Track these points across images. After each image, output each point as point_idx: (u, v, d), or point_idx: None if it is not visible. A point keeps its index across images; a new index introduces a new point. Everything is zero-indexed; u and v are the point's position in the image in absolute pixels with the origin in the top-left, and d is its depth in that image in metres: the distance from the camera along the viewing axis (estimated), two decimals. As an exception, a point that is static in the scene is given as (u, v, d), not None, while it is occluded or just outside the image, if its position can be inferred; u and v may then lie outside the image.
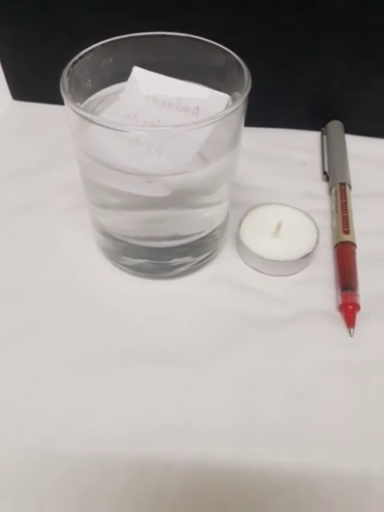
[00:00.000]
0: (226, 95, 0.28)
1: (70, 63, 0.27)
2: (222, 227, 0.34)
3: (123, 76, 0.30)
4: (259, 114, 0.41)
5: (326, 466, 0.26)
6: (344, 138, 0.44)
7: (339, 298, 0.32)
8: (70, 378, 0.29)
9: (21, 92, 0.48)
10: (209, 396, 0.28)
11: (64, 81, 0.26)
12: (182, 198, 0.29)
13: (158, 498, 0.25)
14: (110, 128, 0.24)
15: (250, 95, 0.27)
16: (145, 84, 0.30)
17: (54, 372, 0.29)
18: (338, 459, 0.26)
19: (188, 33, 0.29)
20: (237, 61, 0.28)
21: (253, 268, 0.34)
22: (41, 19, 0.42)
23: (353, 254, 0.34)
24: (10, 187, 0.40)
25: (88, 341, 0.30)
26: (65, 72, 0.27)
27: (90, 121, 0.25)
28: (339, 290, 0.32)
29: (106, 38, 0.29)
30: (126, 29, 0.29)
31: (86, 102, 0.30)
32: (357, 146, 0.44)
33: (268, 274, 0.34)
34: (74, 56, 0.28)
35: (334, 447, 0.26)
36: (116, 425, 0.27)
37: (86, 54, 0.28)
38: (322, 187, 0.41)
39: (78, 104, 0.29)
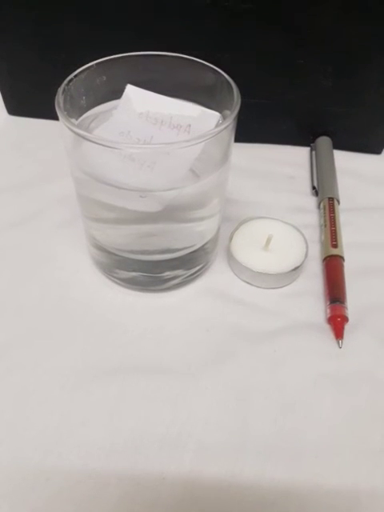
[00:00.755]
0: (217, 113, 0.29)
1: (66, 81, 0.28)
2: (214, 241, 0.34)
3: (117, 94, 0.30)
4: (249, 130, 0.42)
5: (316, 478, 0.26)
6: (332, 153, 0.45)
7: (328, 311, 0.32)
8: (62, 391, 0.29)
9: (16, 107, 0.48)
10: (200, 408, 0.28)
11: (59, 98, 0.27)
12: (174, 212, 0.29)
13: (150, 509, 0.25)
14: (104, 145, 0.25)
15: (240, 112, 0.27)
16: (138, 101, 0.30)
17: (46, 385, 0.29)
18: (328, 472, 0.26)
19: (179, 52, 0.30)
20: (226, 80, 0.29)
21: (243, 281, 0.35)
22: (37, 35, 0.42)
23: (341, 267, 0.35)
24: (5, 201, 0.40)
25: (81, 353, 0.30)
26: (60, 90, 0.28)
27: (85, 138, 0.25)
28: (328, 303, 0.33)
29: (101, 55, 0.30)
30: (121, 48, 0.30)
31: (81, 118, 0.30)
32: (345, 161, 0.45)
33: (258, 287, 0.34)
34: (69, 72, 0.29)
35: (323, 460, 0.27)
36: (108, 438, 0.27)
37: (80, 72, 0.29)
38: (311, 202, 0.41)
39: (74, 119, 0.29)
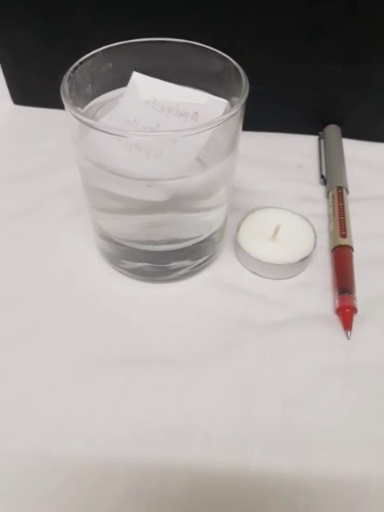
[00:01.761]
0: (225, 100, 0.29)
1: (71, 69, 0.28)
2: (221, 231, 0.34)
3: (123, 81, 0.30)
4: (257, 119, 0.41)
5: (323, 469, 0.26)
6: (341, 142, 0.44)
7: (336, 301, 0.32)
8: (69, 382, 0.29)
9: (21, 96, 0.48)
10: (207, 399, 0.28)
11: (64, 86, 0.27)
12: (180, 202, 0.29)
13: (157, 501, 0.25)
14: (110, 133, 0.24)
15: (247, 100, 0.27)
16: (144, 89, 0.30)
17: (53, 375, 0.29)
18: (336, 463, 0.26)
19: (186, 39, 0.30)
20: (235, 66, 0.28)
21: (251, 271, 0.34)
22: (42, 24, 0.42)
23: (350, 257, 0.34)
24: (11, 191, 0.40)
25: (88, 344, 0.30)
26: (65, 78, 0.27)
27: (91, 126, 0.25)
28: (336, 294, 0.32)
29: (106, 43, 0.29)
30: (127, 35, 0.29)
31: (87, 107, 0.30)
32: (354, 149, 0.44)
33: (266, 278, 0.34)
34: (74, 61, 0.28)
35: (331, 451, 0.27)
36: (115, 428, 0.27)
37: (86, 59, 0.29)
38: (319, 191, 0.41)
39: (80, 108, 0.29)
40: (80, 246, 0.36)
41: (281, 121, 0.46)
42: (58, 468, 0.26)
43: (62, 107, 0.26)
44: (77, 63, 0.28)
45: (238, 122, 0.28)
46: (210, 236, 0.32)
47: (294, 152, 0.44)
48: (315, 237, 0.34)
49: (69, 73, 0.27)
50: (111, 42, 0.30)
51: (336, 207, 0.37)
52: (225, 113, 0.27)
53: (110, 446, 0.26)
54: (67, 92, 0.26)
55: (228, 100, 0.29)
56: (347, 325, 0.31)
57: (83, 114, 0.26)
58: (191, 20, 0.38)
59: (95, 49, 0.29)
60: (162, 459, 0.26)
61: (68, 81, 0.27)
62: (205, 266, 0.34)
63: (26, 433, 0.27)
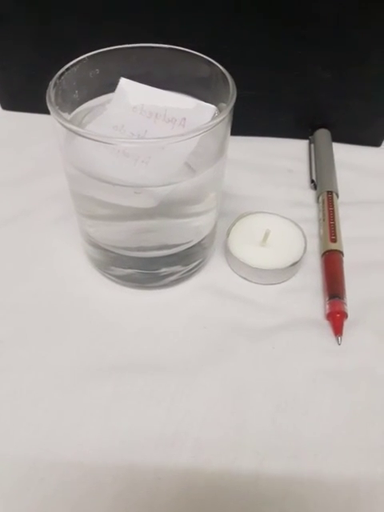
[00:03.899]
0: (212, 106, 0.28)
1: (57, 75, 0.28)
2: (211, 236, 0.34)
3: (110, 87, 0.30)
4: (247, 123, 0.41)
5: (315, 476, 0.26)
6: (331, 146, 0.44)
7: (327, 306, 0.32)
8: (58, 389, 0.28)
9: (10, 102, 0.48)
10: (198, 406, 0.28)
11: (50, 93, 0.26)
12: (169, 208, 0.29)
13: (146, 510, 0.25)
14: (97, 141, 0.24)
15: (237, 104, 0.27)
16: (132, 95, 0.30)
17: (42, 383, 0.29)
18: (327, 469, 0.26)
19: (174, 44, 0.30)
20: (222, 72, 0.28)
21: (241, 277, 0.34)
22: (30, 29, 0.42)
23: (340, 262, 0.34)
24: (0, 197, 0.40)
25: (77, 351, 0.30)
26: (51, 84, 0.27)
27: (77, 133, 0.25)
28: (327, 299, 0.32)
29: (96, 49, 0.29)
30: (117, 41, 0.29)
31: (74, 113, 0.30)
32: (344, 153, 0.44)
33: (256, 283, 0.34)
34: (63, 66, 0.28)
35: (322, 457, 0.26)
36: (104, 437, 0.27)
37: (72, 65, 0.28)
38: (309, 195, 0.41)
39: (67, 114, 0.29)
40: (69, 253, 0.35)
41: (271, 125, 0.46)
42: (46, 478, 0.25)
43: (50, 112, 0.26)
44: (63, 69, 0.28)
45: (226, 127, 0.27)
46: (200, 241, 0.32)
47: (284, 156, 0.44)
48: (305, 242, 0.34)
49: (55, 79, 0.27)
50: (100, 47, 0.29)
51: (326, 212, 0.37)
52: (213, 118, 0.27)
53: (99, 455, 0.26)
54: (53, 98, 0.26)
55: (216, 105, 0.29)
56: (338, 330, 0.31)
57: (70, 121, 0.25)
58: (179, 25, 0.38)
59: (85, 53, 0.29)
60: (151, 468, 0.26)
61: (54, 87, 0.27)
62: (195, 271, 0.34)
63: (13, 442, 0.27)
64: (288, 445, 0.27)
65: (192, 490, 0.25)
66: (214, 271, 0.35)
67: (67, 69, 0.28)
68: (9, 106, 0.48)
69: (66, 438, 0.27)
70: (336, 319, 0.31)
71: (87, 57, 0.29)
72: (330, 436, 0.27)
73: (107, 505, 0.25)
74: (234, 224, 0.36)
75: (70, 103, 0.29)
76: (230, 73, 0.28)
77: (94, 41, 0.29)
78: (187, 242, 0.31)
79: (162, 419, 0.27)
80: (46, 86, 0.27)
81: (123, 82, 0.30)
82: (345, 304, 0.32)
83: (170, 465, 0.26)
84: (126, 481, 0.25)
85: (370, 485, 0.26)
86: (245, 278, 0.34)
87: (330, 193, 0.39)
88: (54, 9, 0.40)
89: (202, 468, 0.26)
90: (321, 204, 0.39)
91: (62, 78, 0.28)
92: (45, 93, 0.27)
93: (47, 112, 0.27)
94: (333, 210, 0.37)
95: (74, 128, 0.25)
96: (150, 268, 0.32)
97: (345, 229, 0.37)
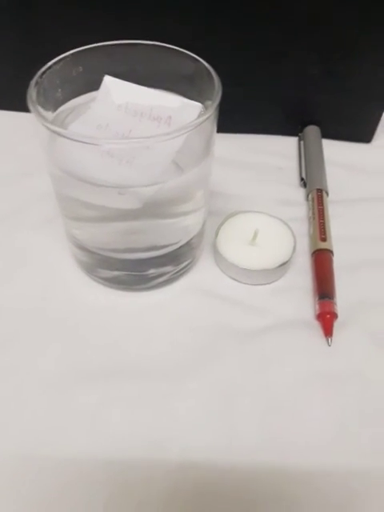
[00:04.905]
0: (198, 104, 0.28)
1: (38, 73, 0.27)
2: (199, 236, 0.33)
3: (94, 85, 0.29)
4: (235, 120, 0.41)
5: (306, 478, 0.26)
6: (321, 143, 0.44)
7: (317, 307, 0.31)
8: (45, 394, 0.28)
9: (-6, 100, 0.47)
10: (186, 411, 0.28)
11: (32, 92, 0.26)
12: (156, 208, 0.28)
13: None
14: (80, 141, 0.24)
15: (225, 101, 0.26)
16: (116, 93, 0.29)
17: (29, 387, 0.28)
18: (318, 473, 0.26)
19: (158, 40, 0.29)
20: (206, 68, 0.27)
21: (230, 277, 0.34)
22: (14, 27, 0.41)
23: (330, 261, 0.34)
24: (-16, 198, 0.39)
25: (64, 355, 0.30)
26: (32, 83, 0.26)
27: (59, 134, 0.24)
28: (317, 299, 0.32)
29: (80, 46, 0.28)
30: (101, 39, 0.29)
31: (57, 111, 0.29)
32: (334, 150, 0.44)
33: (245, 283, 0.33)
34: (47, 63, 0.27)
35: (313, 459, 0.26)
36: (91, 444, 0.26)
37: (55, 63, 0.28)
38: (299, 193, 0.40)
39: (50, 113, 0.28)
40: (55, 255, 0.35)
41: (259, 122, 0.45)
42: (35, 482, 0.25)
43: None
44: (45, 67, 0.27)
45: (212, 124, 0.27)
46: (188, 241, 0.32)
47: (273, 154, 0.44)
48: (295, 241, 0.34)
49: (36, 78, 0.27)
50: (83, 44, 0.29)
51: (316, 210, 0.37)
52: (199, 116, 0.26)
53: (85, 463, 0.26)
54: (34, 97, 0.26)
55: (202, 103, 0.28)
56: (328, 331, 0.30)
57: (53, 120, 0.25)
58: (164, 21, 0.37)
59: (70, 50, 0.28)
60: (140, 473, 0.25)
61: (35, 86, 0.26)
62: (183, 273, 0.34)
63: (1, 447, 0.26)
64: (278, 448, 0.26)
65: (181, 495, 0.25)
66: (203, 272, 0.34)
67: (49, 67, 0.27)
68: (-7, 105, 0.47)
69: (51, 445, 0.26)
70: (326, 320, 0.31)
71: (70, 54, 0.28)
72: (320, 438, 0.27)
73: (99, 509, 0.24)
74: (222, 223, 0.35)
75: (52, 102, 0.28)
76: (217, 70, 0.27)
77: (78, 38, 0.29)
78: (175, 243, 0.31)
79: (150, 423, 0.27)
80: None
81: (107, 79, 0.29)
82: (335, 304, 0.31)
83: (159, 469, 0.26)
84: (113, 486, 0.25)
85: (361, 487, 0.25)
86: (234, 279, 0.34)
87: (319, 191, 0.38)
88: (38, 6, 0.39)
89: (191, 473, 0.26)
90: (310, 202, 0.38)
91: (44, 76, 0.27)
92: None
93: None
94: (322, 209, 0.37)
95: (56, 129, 0.24)
96: (137, 270, 0.32)
97: (335, 227, 0.36)
